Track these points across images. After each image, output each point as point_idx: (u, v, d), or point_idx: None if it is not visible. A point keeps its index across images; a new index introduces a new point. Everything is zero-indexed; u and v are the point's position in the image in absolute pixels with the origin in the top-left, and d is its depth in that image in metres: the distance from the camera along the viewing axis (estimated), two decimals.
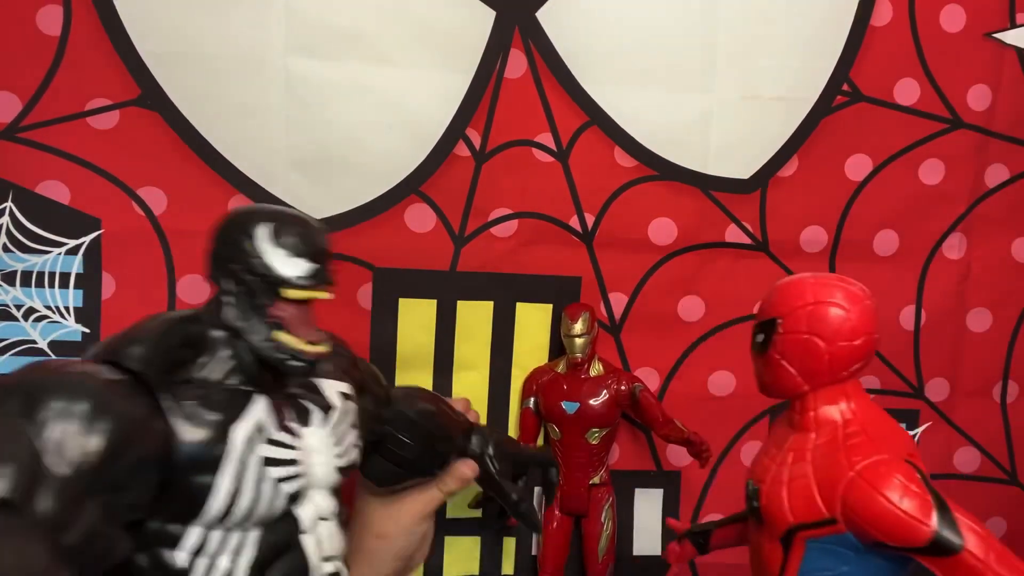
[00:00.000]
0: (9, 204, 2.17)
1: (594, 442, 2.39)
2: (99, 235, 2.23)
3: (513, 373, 2.53)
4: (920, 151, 2.58)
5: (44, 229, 2.20)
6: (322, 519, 1.52)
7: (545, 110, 2.42)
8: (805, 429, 1.54)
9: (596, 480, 2.42)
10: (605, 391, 2.38)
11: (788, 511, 1.48)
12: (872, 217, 2.60)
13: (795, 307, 1.53)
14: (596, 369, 2.42)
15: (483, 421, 2.51)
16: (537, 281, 2.50)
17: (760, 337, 1.60)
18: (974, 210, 2.64)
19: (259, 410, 1.42)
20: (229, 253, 1.42)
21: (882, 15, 2.48)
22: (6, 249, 2.18)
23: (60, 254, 2.22)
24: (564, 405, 2.38)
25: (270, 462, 1.41)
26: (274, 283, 1.40)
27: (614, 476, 2.51)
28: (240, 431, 1.37)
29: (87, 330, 2.24)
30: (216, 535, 1.37)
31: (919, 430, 2.72)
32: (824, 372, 1.51)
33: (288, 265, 1.41)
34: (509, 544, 2.58)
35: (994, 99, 2.57)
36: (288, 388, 1.51)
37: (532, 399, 2.47)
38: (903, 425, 2.71)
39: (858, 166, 2.57)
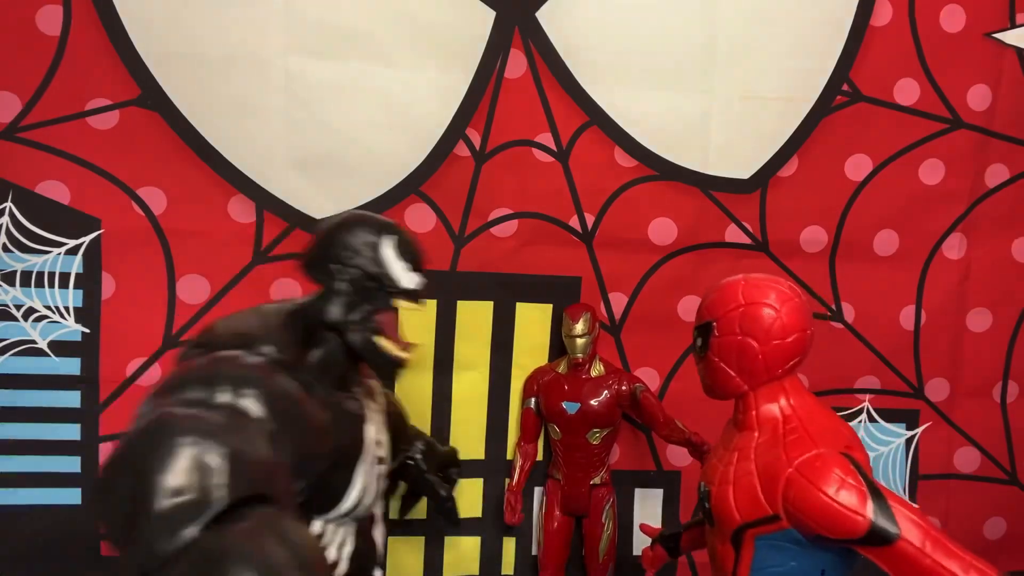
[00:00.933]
0: (9, 204, 2.17)
1: (595, 442, 2.39)
2: (99, 235, 2.23)
3: (513, 373, 2.53)
4: (920, 151, 2.58)
5: (44, 229, 2.20)
6: (382, 514, 1.64)
7: (545, 110, 2.42)
8: (749, 428, 1.57)
9: (597, 480, 2.42)
10: (606, 391, 2.38)
11: (735, 510, 1.50)
12: (872, 217, 2.60)
13: (728, 310, 1.57)
14: (597, 369, 2.42)
15: (483, 421, 2.53)
16: (537, 281, 2.50)
17: (699, 341, 1.64)
18: (974, 210, 2.65)
19: (371, 410, 1.53)
20: (348, 256, 1.48)
21: (882, 15, 2.48)
22: (6, 249, 2.18)
23: (60, 254, 2.22)
24: (565, 405, 2.38)
25: (380, 460, 1.52)
26: (392, 292, 1.49)
27: (614, 476, 2.51)
28: (370, 432, 1.49)
29: (87, 330, 2.24)
30: (331, 528, 1.45)
31: (919, 430, 2.72)
32: (760, 371, 1.55)
33: (406, 278, 1.50)
34: (509, 544, 2.58)
35: (994, 99, 2.57)
36: (352, 387, 1.58)
37: (533, 399, 2.47)
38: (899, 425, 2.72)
39: (858, 166, 2.57)
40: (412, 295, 1.51)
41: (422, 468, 2.02)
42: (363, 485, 1.43)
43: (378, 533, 1.57)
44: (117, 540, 0.98)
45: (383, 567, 1.62)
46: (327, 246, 1.51)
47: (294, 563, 0.92)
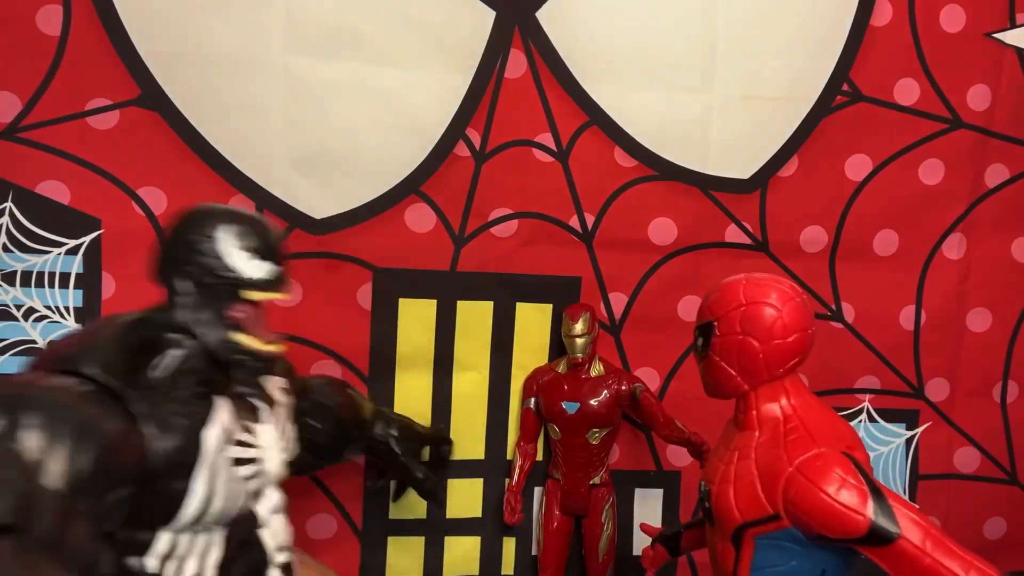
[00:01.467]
0: (9, 204, 2.17)
1: (595, 442, 2.39)
2: (99, 235, 2.23)
3: (513, 373, 2.53)
4: (920, 151, 2.58)
5: (44, 229, 2.20)
6: (275, 513, 1.58)
7: (545, 110, 2.42)
8: (749, 427, 1.57)
9: (596, 480, 2.42)
10: (606, 391, 2.38)
11: (735, 509, 1.50)
12: (872, 217, 2.60)
13: (729, 309, 1.57)
14: (597, 369, 2.42)
15: (483, 421, 2.53)
16: (537, 281, 2.50)
17: (700, 341, 1.64)
18: (974, 210, 2.64)
19: (222, 412, 1.45)
20: (185, 255, 1.42)
21: (882, 15, 2.48)
22: (6, 249, 2.18)
23: (60, 254, 2.22)
24: (565, 405, 2.38)
25: (238, 462, 1.45)
26: (236, 285, 1.42)
27: (614, 476, 2.51)
28: (211, 435, 1.40)
29: None
30: (185, 538, 1.39)
31: (919, 430, 2.72)
32: (761, 370, 1.55)
33: (251, 267, 1.42)
34: (509, 544, 2.58)
35: (994, 99, 2.57)
36: (236, 387, 1.53)
37: (533, 399, 2.47)
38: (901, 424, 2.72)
39: (858, 166, 2.57)
40: (262, 284, 1.43)
41: (394, 451, 1.99)
42: (206, 491, 1.37)
43: (268, 533, 1.52)
44: None
45: (282, 566, 1.57)
46: (168, 246, 1.46)
47: None
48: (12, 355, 2.21)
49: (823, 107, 2.50)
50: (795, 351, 1.55)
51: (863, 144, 2.56)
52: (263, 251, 1.44)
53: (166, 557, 1.37)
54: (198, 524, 1.39)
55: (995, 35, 2.54)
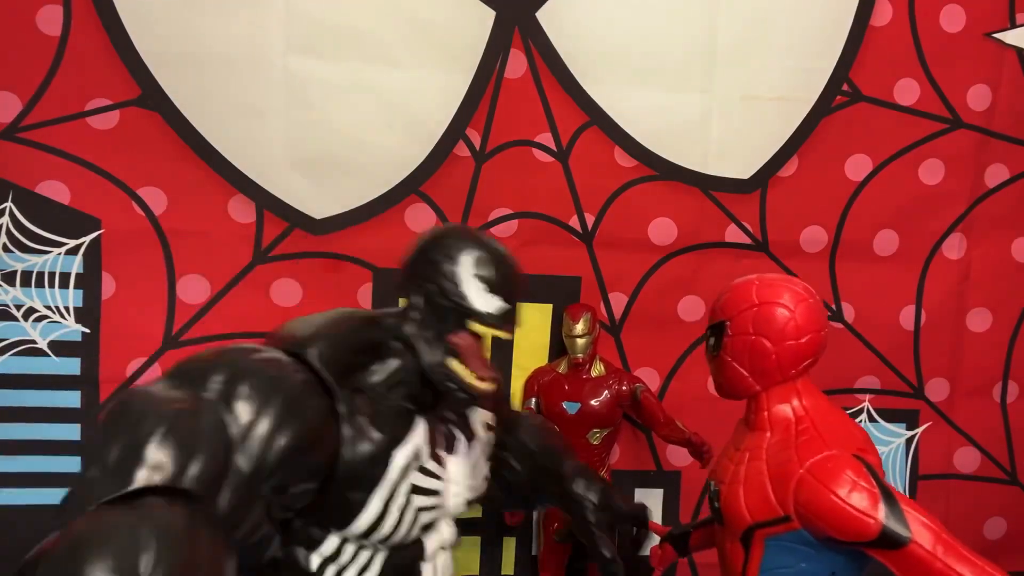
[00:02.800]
0: (9, 204, 2.17)
1: (595, 442, 2.39)
2: (99, 235, 2.23)
3: (513, 373, 2.53)
4: (920, 151, 2.58)
5: (44, 229, 2.20)
6: (443, 548, 1.53)
7: (545, 110, 2.42)
8: (760, 428, 1.56)
9: None
10: (606, 391, 2.38)
11: (745, 510, 1.49)
12: (872, 217, 2.60)
13: (741, 309, 1.56)
14: (597, 369, 2.42)
15: None
16: (537, 281, 2.50)
17: (712, 340, 1.63)
18: (974, 210, 2.65)
19: (418, 435, 1.42)
20: (427, 271, 1.41)
21: (882, 15, 2.48)
22: (6, 249, 2.18)
23: (60, 254, 2.22)
24: (565, 405, 2.37)
25: (417, 490, 1.41)
26: (463, 313, 1.39)
27: (615, 476, 2.51)
28: (400, 456, 1.38)
29: (87, 330, 2.24)
30: (350, 547, 1.38)
31: (919, 430, 2.72)
32: (773, 371, 1.54)
33: (482, 300, 1.39)
34: (509, 544, 2.58)
35: (994, 99, 2.57)
36: (442, 412, 1.50)
37: (533, 399, 2.47)
38: (906, 424, 2.72)
39: (858, 166, 2.57)
40: (489, 319, 1.39)
41: (587, 518, 1.80)
42: (379, 509, 1.35)
43: (428, 567, 1.49)
44: None
45: None
46: (413, 259, 1.45)
47: (152, 569, 0.89)
48: (12, 355, 2.21)
49: (823, 107, 2.50)
50: (808, 352, 1.54)
51: (863, 144, 2.56)
52: (498, 286, 1.41)
53: (329, 559, 1.37)
54: (366, 539, 1.38)
55: (995, 35, 2.54)
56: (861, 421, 2.68)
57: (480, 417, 1.61)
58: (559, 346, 2.48)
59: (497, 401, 1.71)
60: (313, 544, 1.35)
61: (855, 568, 1.47)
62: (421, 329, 1.41)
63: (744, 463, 1.54)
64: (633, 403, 2.38)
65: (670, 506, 2.64)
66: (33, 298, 2.21)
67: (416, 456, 1.41)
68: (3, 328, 2.20)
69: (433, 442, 1.46)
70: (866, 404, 2.69)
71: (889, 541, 1.31)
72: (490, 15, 2.32)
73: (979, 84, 2.56)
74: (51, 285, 2.22)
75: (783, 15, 2.43)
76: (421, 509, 1.43)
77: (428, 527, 1.48)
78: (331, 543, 1.36)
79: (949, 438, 2.73)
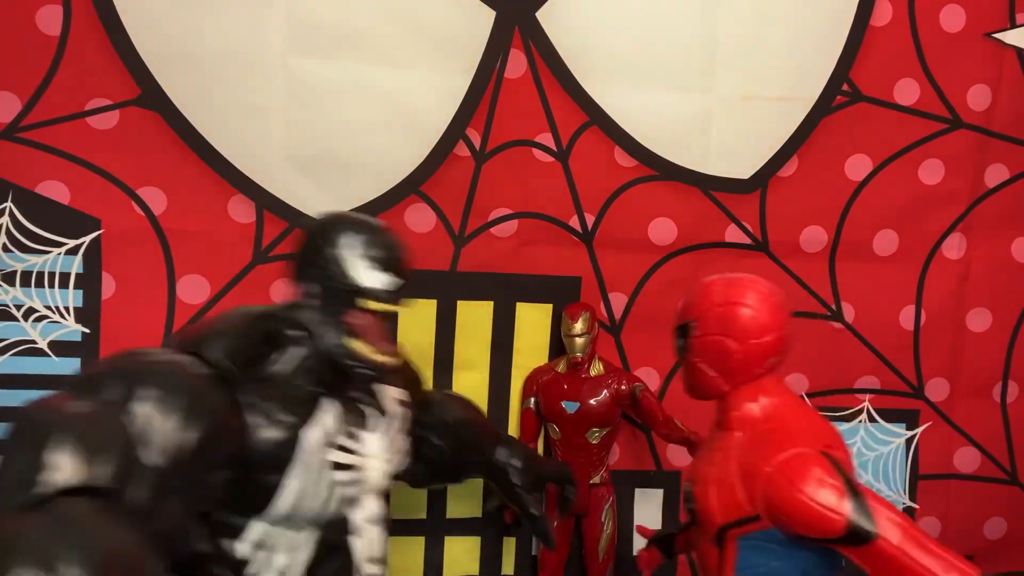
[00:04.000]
0: (9, 204, 2.17)
1: (594, 442, 2.39)
2: (99, 235, 2.23)
3: (513, 373, 2.53)
4: (920, 151, 2.58)
5: (44, 229, 2.20)
6: (370, 523, 1.57)
7: (545, 110, 2.42)
8: (729, 428, 1.57)
9: (596, 480, 2.42)
10: (605, 391, 2.38)
11: (716, 510, 1.50)
12: (872, 217, 2.60)
13: (705, 309, 1.57)
14: (596, 369, 2.42)
15: None
16: (537, 281, 2.50)
17: (680, 342, 1.64)
18: (974, 210, 2.64)
19: (328, 414, 1.47)
20: (313, 258, 1.47)
21: (882, 15, 2.48)
22: (6, 249, 2.18)
23: (60, 254, 2.22)
24: (564, 405, 2.38)
25: (335, 466, 1.46)
26: (354, 292, 1.45)
27: (614, 476, 2.51)
28: (311, 435, 1.43)
29: (87, 330, 2.24)
30: (277, 531, 1.43)
31: (919, 430, 2.72)
32: (740, 370, 1.55)
33: (370, 277, 1.46)
34: (509, 544, 2.58)
35: (994, 99, 2.57)
36: (350, 392, 1.55)
37: (533, 399, 2.47)
38: (906, 423, 2.71)
39: (858, 166, 2.57)
40: (380, 295, 1.46)
41: (512, 481, 1.93)
42: (299, 489, 1.40)
43: (358, 542, 1.53)
44: None
45: (383, 569, 1.59)
46: (300, 249, 1.52)
47: (78, 565, 0.92)
48: (12, 355, 2.21)
49: (823, 107, 2.50)
50: (772, 350, 1.55)
51: (863, 144, 2.56)
52: (384, 263, 1.47)
53: (258, 546, 1.41)
54: (290, 520, 1.42)
55: (995, 35, 2.54)
56: (861, 421, 2.69)
57: (390, 394, 1.66)
58: (559, 346, 2.48)
59: (407, 378, 1.78)
60: (237, 533, 1.39)
61: (827, 566, 1.47)
62: (318, 315, 1.47)
63: (715, 464, 1.55)
64: (632, 403, 2.38)
65: (670, 506, 2.64)
66: (33, 298, 2.21)
67: (327, 433, 1.45)
68: (3, 328, 2.20)
69: (346, 421, 1.50)
70: (866, 404, 2.69)
71: (856, 537, 1.31)
72: (490, 15, 2.32)
73: (979, 84, 2.56)
74: (51, 285, 2.22)
75: (783, 15, 2.43)
76: (340, 484, 1.47)
77: (352, 503, 1.52)
78: (256, 530, 1.40)
79: (949, 438, 2.73)
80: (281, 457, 1.39)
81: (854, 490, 1.34)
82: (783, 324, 1.56)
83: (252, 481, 1.35)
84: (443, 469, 1.93)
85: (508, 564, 2.58)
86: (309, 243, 1.51)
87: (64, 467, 1.03)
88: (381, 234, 1.51)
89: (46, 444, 1.04)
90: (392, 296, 1.48)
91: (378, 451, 1.57)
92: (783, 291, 1.63)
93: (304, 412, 1.43)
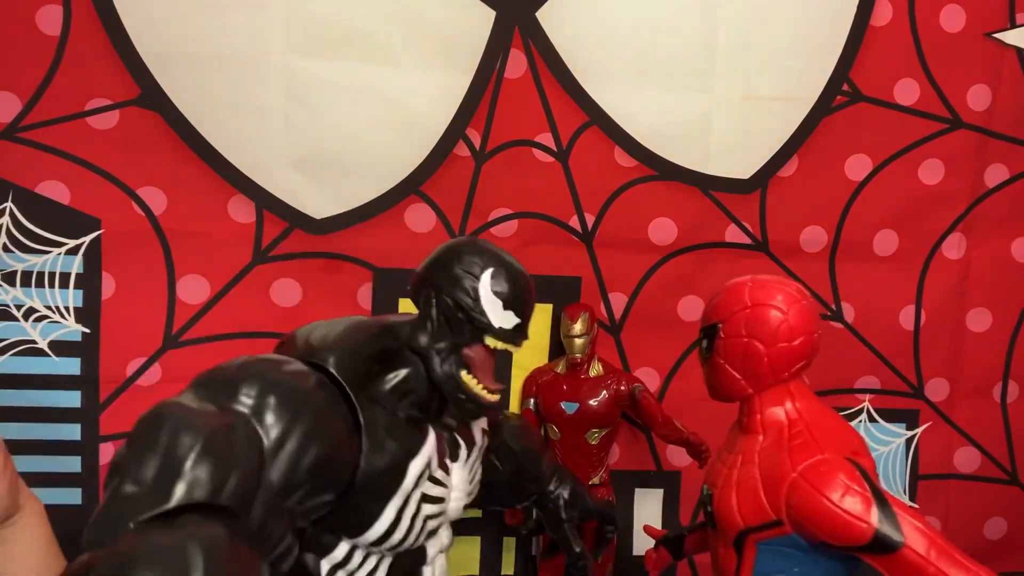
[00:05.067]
0: (9, 204, 2.17)
1: (593, 443, 2.39)
2: (99, 235, 2.23)
3: (513, 373, 2.53)
4: (920, 151, 2.58)
5: (44, 229, 2.20)
6: (441, 551, 1.55)
7: (545, 110, 2.42)
8: (753, 431, 1.55)
9: (596, 481, 2.42)
10: (605, 391, 2.38)
11: (738, 514, 1.48)
12: (872, 217, 2.60)
13: (734, 311, 1.55)
14: (596, 369, 2.42)
15: None
16: (537, 281, 2.46)
17: (704, 343, 1.62)
18: (974, 210, 2.64)
19: (430, 445, 1.44)
20: (445, 284, 1.43)
21: (882, 15, 2.48)
22: (6, 249, 2.18)
23: (60, 254, 2.22)
24: (563, 405, 2.37)
25: (426, 499, 1.43)
26: (482, 329, 1.42)
27: (614, 476, 2.51)
28: (415, 467, 1.39)
29: (87, 330, 2.24)
30: (359, 554, 1.39)
31: (919, 430, 2.72)
32: (766, 374, 1.53)
33: (500, 316, 1.42)
34: (509, 544, 2.58)
35: (994, 99, 2.57)
36: (446, 418, 1.52)
37: (532, 399, 2.47)
38: (906, 424, 2.72)
39: (858, 166, 2.57)
40: (503, 334, 1.42)
41: (561, 516, 1.88)
42: (393, 519, 1.36)
43: (428, 571, 1.51)
44: None
45: None
46: (429, 270, 1.47)
47: None
48: (12, 355, 2.21)
49: (823, 107, 2.50)
50: (801, 355, 1.53)
51: (863, 144, 2.56)
52: (515, 303, 1.44)
53: (338, 566, 1.38)
54: (376, 546, 1.38)
55: (995, 35, 2.54)
56: (861, 421, 2.69)
57: (479, 424, 1.63)
58: (559, 346, 2.47)
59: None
60: (324, 551, 1.36)
61: (848, 573, 1.46)
62: (435, 340, 1.43)
63: (737, 467, 1.53)
64: (632, 403, 2.38)
65: (670, 506, 2.64)
66: (33, 298, 2.21)
67: (428, 466, 1.42)
68: (3, 328, 2.20)
69: (441, 451, 1.47)
70: (866, 404, 2.69)
71: (882, 546, 1.30)
72: (490, 15, 2.32)
73: (979, 84, 2.56)
74: (51, 285, 2.22)
75: (783, 15, 2.43)
76: (428, 517, 1.44)
77: (433, 534, 1.49)
78: (341, 550, 1.37)
79: (949, 438, 2.73)
80: (387, 486, 1.35)
81: (881, 498, 1.33)
82: (813, 328, 1.54)
83: (353, 505, 1.31)
84: (500, 494, 1.88)
85: (508, 564, 2.58)
86: (443, 266, 1.45)
87: (197, 481, 0.98)
88: (516, 272, 1.47)
89: (181, 453, 0.99)
90: (514, 336, 1.45)
91: (461, 483, 1.53)
92: (812, 295, 1.61)
93: (412, 441, 1.40)
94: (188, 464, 0.99)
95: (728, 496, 1.52)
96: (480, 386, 1.43)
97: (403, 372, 1.41)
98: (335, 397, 1.27)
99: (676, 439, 2.38)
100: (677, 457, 2.59)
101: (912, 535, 1.29)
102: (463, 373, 1.42)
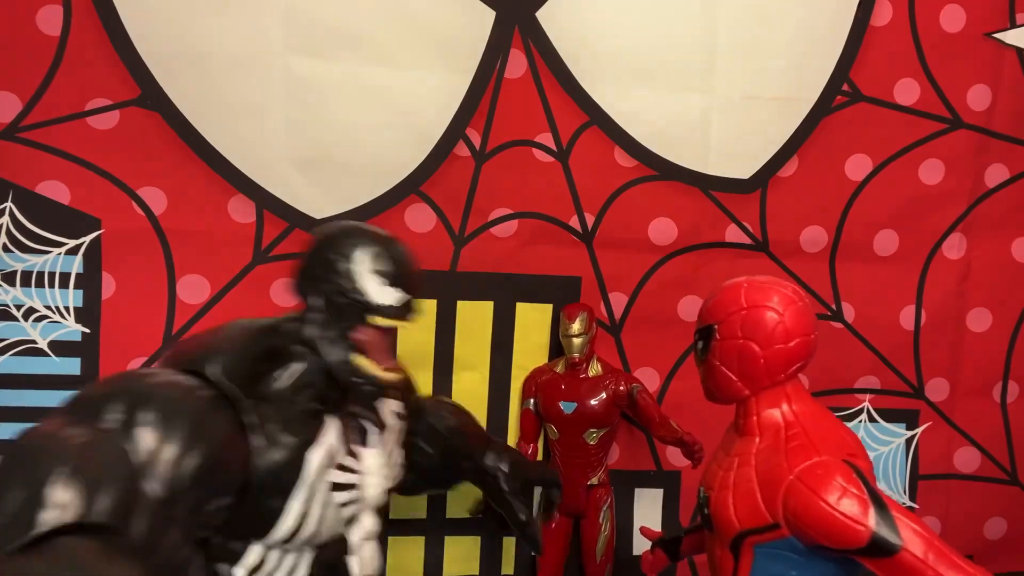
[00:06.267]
0: (9, 204, 2.17)
1: (592, 443, 2.39)
2: (99, 235, 2.23)
3: (513, 373, 2.53)
4: (920, 151, 2.58)
5: (44, 229, 2.20)
6: (367, 540, 1.54)
7: (545, 110, 2.42)
8: (749, 434, 1.55)
9: (595, 481, 2.42)
10: (603, 391, 2.38)
11: (734, 517, 1.48)
12: (872, 217, 2.60)
13: (730, 313, 1.55)
14: (595, 369, 2.42)
15: (483, 421, 2.52)
16: (537, 281, 2.50)
17: (700, 344, 1.62)
18: (974, 210, 2.64)
19: (331, 434, 1.43)
20: (322, 271, 1.42)
21: (882, 15, 2.48)
22: (6, 249, 2.18)
23: (60, 254, 2.22)
24: (562, 405, 2.37)
25: (336, 487, 1.43)
26: (364, 309, 1.41)
27: (614, 476, 2.51)
28: (315, 456, 1.38)
29: (87, 330, 2.24)
30: (274, 554, 1.39)
31: (919, 430, 2.72)
32: (762, 375, 1.53)
33: (382, 293, 1.41)
34: (509, 544, 2.58)
35: (994, 99, 2.57)
36: (350, 407, 1.51)
37: (532, 399, 2.47)
38: (900, 426, 2.72)
39: (858, 166, 2.57)
40: (389, 311, 1.41)
41: (501, 487, 1.89)
42: (300, 512, 1.35)
43: (355, 560, 1.50)
44: None
45: None
46: (306, 261, 1.47)
47: None
48: (12, 355, 2.21)
49: (823, 107, 2.50)
50: (797, 356, 1.53)
51: (863, 144, 2.56)
52: (395, 277, 1.43)
53: (254, 570, 1.37)
54: (289, 543, 1.38)
55: (995, 35, 2.54)
56: (861, 421, 2.68)
57: (388, 407, 1.62)
58: (559, 346, 2.47)
59: (403, 390, 1.73)
60: (234, 558, 1.35)
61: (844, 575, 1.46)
62: (323, 329, 1.42)
63: (733, 469, 1.53)
64: (630, 403, 2.38)
65: (670, 506, 2.64)
66: (33, 298, 2.21)
67: (330, 454, 1.41)
68: (3, 328, 2.20)
69: (347, 438, 1.46)
70: (866, 404, 2.69)
71: (880, 549, 1.29)
72: (490, 15, 2.32)
73: (979, 84, 2.56)
74: (51, 285, 2.22)
75: (783, 15, 2.43)
76: (342, 505, 1.44)
77: (351, 522, 1.49)
78: (254, 554, 1.36)
79: (949, 438, 2.73)
80: (286, 480, 1.34)
81: (878, 500, 1.32)
82: (809, 329, 1.53)
83: (254, 505, 1.31)
84: (434, 477, 1.89)
85: (508, 564, 2.58)
86: (317, 254, 1.45)
87: (63, 504, 0.96)
88: (393, 247, 1.46)
89: (44, 479, 0.98)
90: (402, 312, 1.44)
91: (376, 467, 1.53)
92: (808, 296, 1.61)
93: (308, 432, 1.39)
94: (53, 487, 0.97)
95: (725, 499, 1.51)
96: (376, 367, 1.43)
97: (296, 367, 1.41)
98: (215, 401, 1.26)
99: (672, 440, 2.37)
100: (677, 457, 2.59)
101: (910, 538, 1.29)
102: (355, 357, 1.42)
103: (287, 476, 1.34)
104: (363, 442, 1.52)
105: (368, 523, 1.54)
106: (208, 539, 1.30)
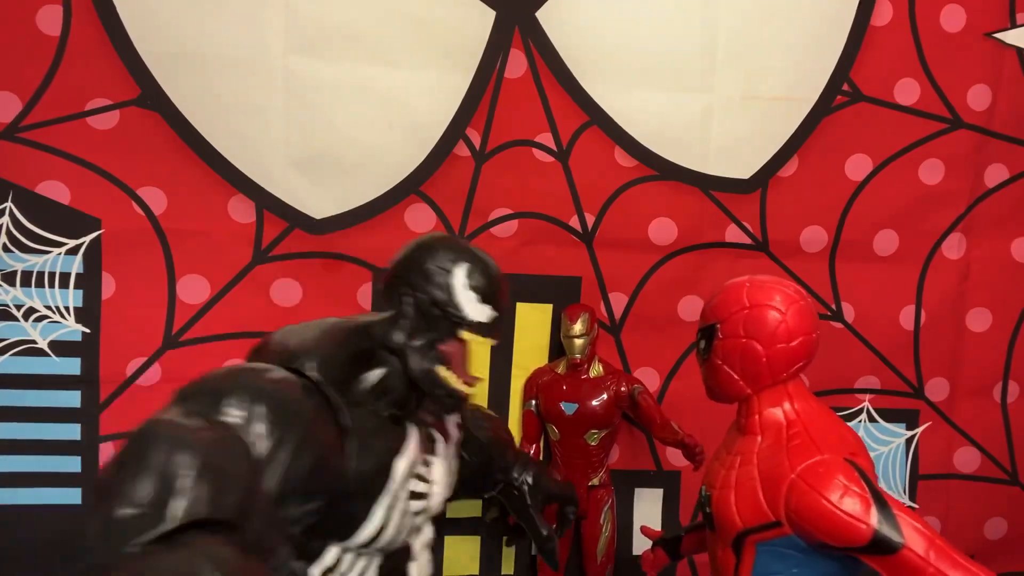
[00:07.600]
0: (9, 204, 2.17)
1: (593, 443, 2.39)
2: (99, 235, 2.23)
3: (513, 373, 2.53)
4: (920, 151, 2.58)
5: (44, 229, 2.20)
6: (425, 547, 1.56)
7: (545, 110, 2.42)
8: (751, 432, 1.55)
9: (595, 481, 2.42)
10: (604, 392, 2.38)
11: (736, 515, 1.48)
12: (872, 217, 2.60)
13: (732, 312, 1.55)
14: (596, 370, 2.42)
15: None
16: (537, 281, 2.50)
17: (702, 343, 1.62)
18: (974, 210, 2.64)
19: (413, 442, 1.45)
20: (419, 281, 1.44)
21: (882, 15, 2.48)
22: (6, 249, 2.18)
23: (60, 254, 2.22)
24: (563, 406, 2.37)
25: (413, 496, 1.44)
26: (457, 323, 1.44)
27: (614, 476, 2.51)
28: (401, 465, 1.40)
29: (87, 330, 2.24)
30: (349, 557, 1.39)
31: (919, 430, 2.72)
32: (764, 374, 1.53)
33: (475, 310, 1.44)
34: None
35: (994, 99, 2.57)
36: (422, 414, 1.53)
37: (533, 400, 2.47)
38: (907, 424, 2.72)
39: (858, 166, 2.57)
40: (479, 328, 1.45)
41: (526, 501, 1.92)
42: (383, 519, 1.37)
43: (415, 567, 1.52)
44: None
45: None
46: (401, 268, 1.48)
47: None
48: (12, 355, 2.21)
49: (823, 107, 2.50)
50: (799, 355, 1.53)
51: (863, 144, 2.56)
52: (488, 295, 1.46)
53: (328, 571, 1.37)
54: (366, 548, 1.39)
55: (995, 35, 2.54)
56: (861, 421, 2.69)
57: (452, 417, 1.65)
58: (559, 346, 2.47)
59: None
60: (312, 557, 1.35)
61: (847, 574, 1.45)
62: (411, 337, 1.43)
63: (735, 468, 1.53)
64: (631, 404, 2.38)
65: (670, 506, 2.64)
66: (33, 298, 2.21)
67: (411, 463, 1.43)
68: (3, 328, 2.20)
69: (423, 447, 1.48)
70: (866, 404, 2.69)
71: (882, 546, 1.30)
72: (490, 15, 2.32)
73: (979, 84, 2.56)
74: (51, 285, 2.22)
75: (783, 15, 2.43)
76: (415, 513, 1.45)
77: (417, 530, 1.50)
78: (331, 555, 1.37)
79: (949, 438, 2.73)
80: (374, 487, 1.36)
81: (880, 499, 1.32)
82: (811, 329, 1.54)
83: (343, 508, 1.31)
84: (470, 485, 1.89)
85: (508, 564, 2.58)
86: (415, 262, 1.47)
87: (196, 497, 0.96)
88: (489, 265, 1.49)
89: (176, 471, 0.96)
90: (491, 330, 1.47)
91: (442, 477, 1.54)
92: (810, 295, 1.61)
93: (396, 440, 1.41)
94: (186, 481, 0.97)
95: (727, 497, 1.52)
96: (457, 380, 1.45)
97: (380, 371, 1.42)
98: (320, 403, 1.27)
99: (672, 441, 2.38)
100: (677, 457, 2.59)
101: (911, 536, 1.29)
102: (441, 368, 1.44)
103: (376, 483, 1.36)
104: (431, 452, 1.53)
105: (428, 532, 1.56)
106: (293, 537, 1.31)
